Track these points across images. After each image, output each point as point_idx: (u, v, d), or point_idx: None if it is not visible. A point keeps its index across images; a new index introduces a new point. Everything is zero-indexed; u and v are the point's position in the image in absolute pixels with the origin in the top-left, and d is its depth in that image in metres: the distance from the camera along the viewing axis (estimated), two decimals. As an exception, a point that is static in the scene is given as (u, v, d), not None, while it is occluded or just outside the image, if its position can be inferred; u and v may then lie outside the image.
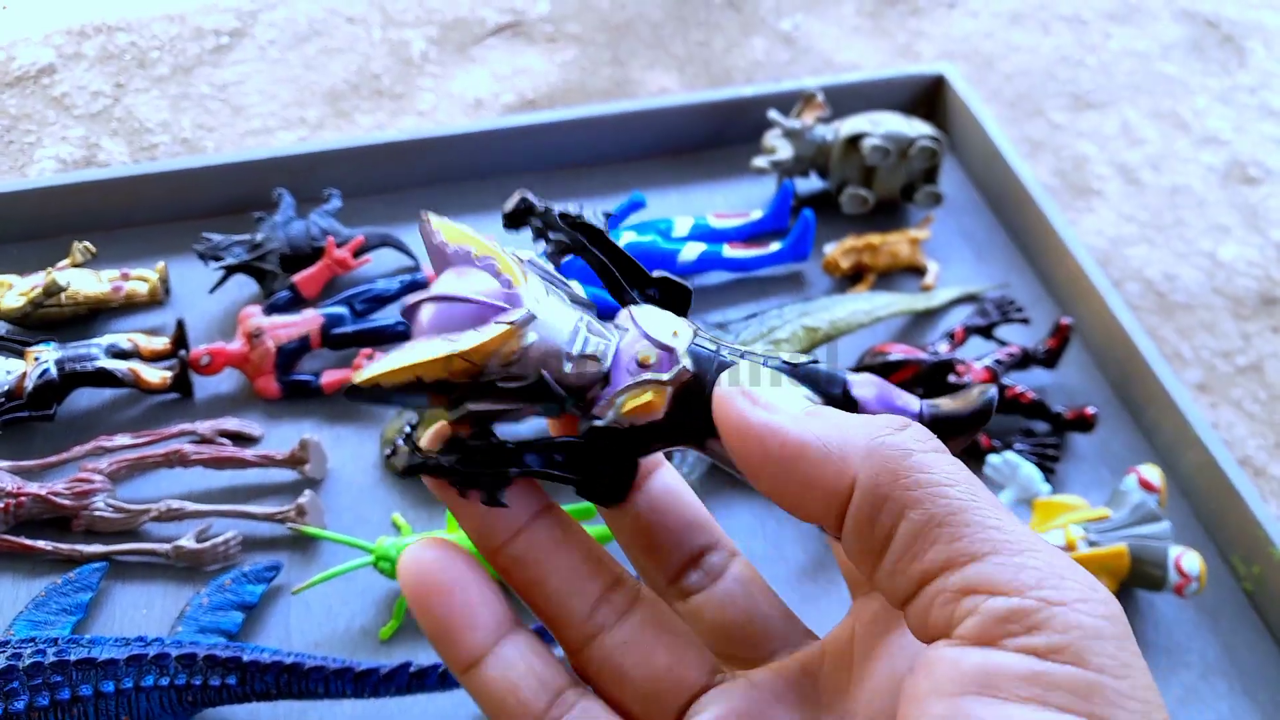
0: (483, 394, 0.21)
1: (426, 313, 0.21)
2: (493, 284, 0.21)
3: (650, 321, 0.22)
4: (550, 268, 0.24)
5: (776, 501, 0.19)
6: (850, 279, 0.64)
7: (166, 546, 0.49)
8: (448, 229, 0.23)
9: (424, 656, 0.46)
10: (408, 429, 0.53)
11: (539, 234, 0.24)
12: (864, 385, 0.21)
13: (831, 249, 0.63)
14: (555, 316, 0.22)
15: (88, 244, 0.58)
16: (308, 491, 0.51)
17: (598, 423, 0.21)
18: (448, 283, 0.22)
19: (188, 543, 0.49)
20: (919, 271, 0.64)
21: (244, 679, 0.44)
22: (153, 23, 0.83)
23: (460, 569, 0.20)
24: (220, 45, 0.82)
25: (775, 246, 0.62)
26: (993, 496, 0.17)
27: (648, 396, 0.21)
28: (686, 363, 0.21)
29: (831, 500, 0.17)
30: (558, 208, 0.24)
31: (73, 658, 0.42)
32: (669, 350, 0.21)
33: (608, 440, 0.21)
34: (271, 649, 0.45)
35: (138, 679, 0.42)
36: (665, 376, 0.21)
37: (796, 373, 0.21)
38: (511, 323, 0.21)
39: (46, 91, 0.77)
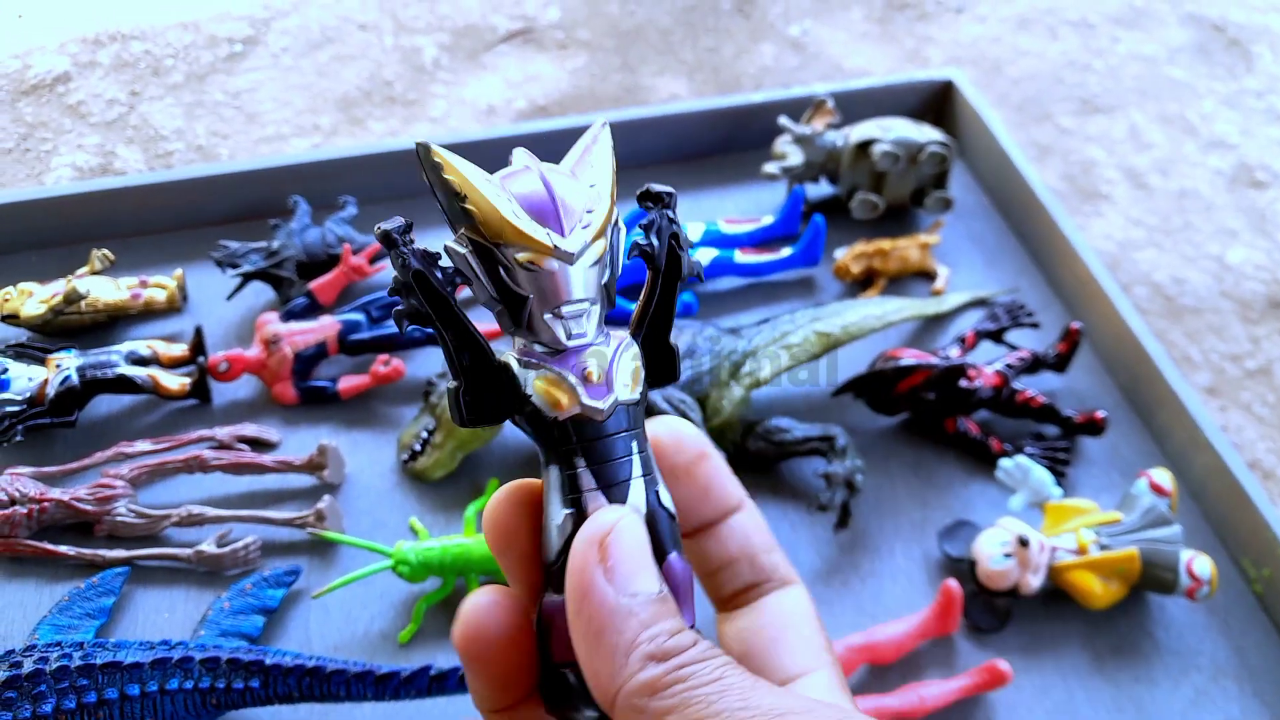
0: (485, 255, 0.21)
1: (520, 174, 0.22)
2: (580, 208, 0.22)
3: (625, 359, 0.23)
4: (623, 240, 0.24)
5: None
6: (861, 284, 0.64)
7: (188, 551, 0.50)
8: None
9: (443, 659, 0.47)
10: (424, 434, 0.53)
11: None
12: (675, 563, 0.22)
13: (842, 254, 0.64)
14: (581, 279, 0.22)
15: (106, 252, 0.59)
16: (326, 496, 0.51)
17: (514, 365, 0.22)
18: (562, 175, 0.22)
19: (208, 547, 0.50)
20: (929, 276, 0.65)
21: (266, 682, 0.44)
22: (167, 31, 0.84)
23: (514, 622, 0.21)
24: (234, 53, 0.82)
25: (786, 252, 0.63)
26: (734, 684, 0.18)
27: (561, 397, 0.21)
28: (606, 408, 0.21)
29: (603, 689, 0.19)
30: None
31: (99, 661, 0.43)
32: (609, 389, 0.22)
33: (505, 379, 0.22)
34: (293, 652, 0.45)
35: (162, 682, 0.43)
36: (585, 400, 0.21)
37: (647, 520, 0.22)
38: (554, 247, 0.21)
39: (62, 100, 0.78)
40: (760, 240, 0.65)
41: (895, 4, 0.91)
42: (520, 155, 0.23)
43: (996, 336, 0.59)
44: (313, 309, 0.58)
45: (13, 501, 0.50)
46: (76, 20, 0.84)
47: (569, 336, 0.22)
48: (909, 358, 0.55)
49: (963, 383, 0.55)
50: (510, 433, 0.56)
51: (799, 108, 0.69)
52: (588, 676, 0.19)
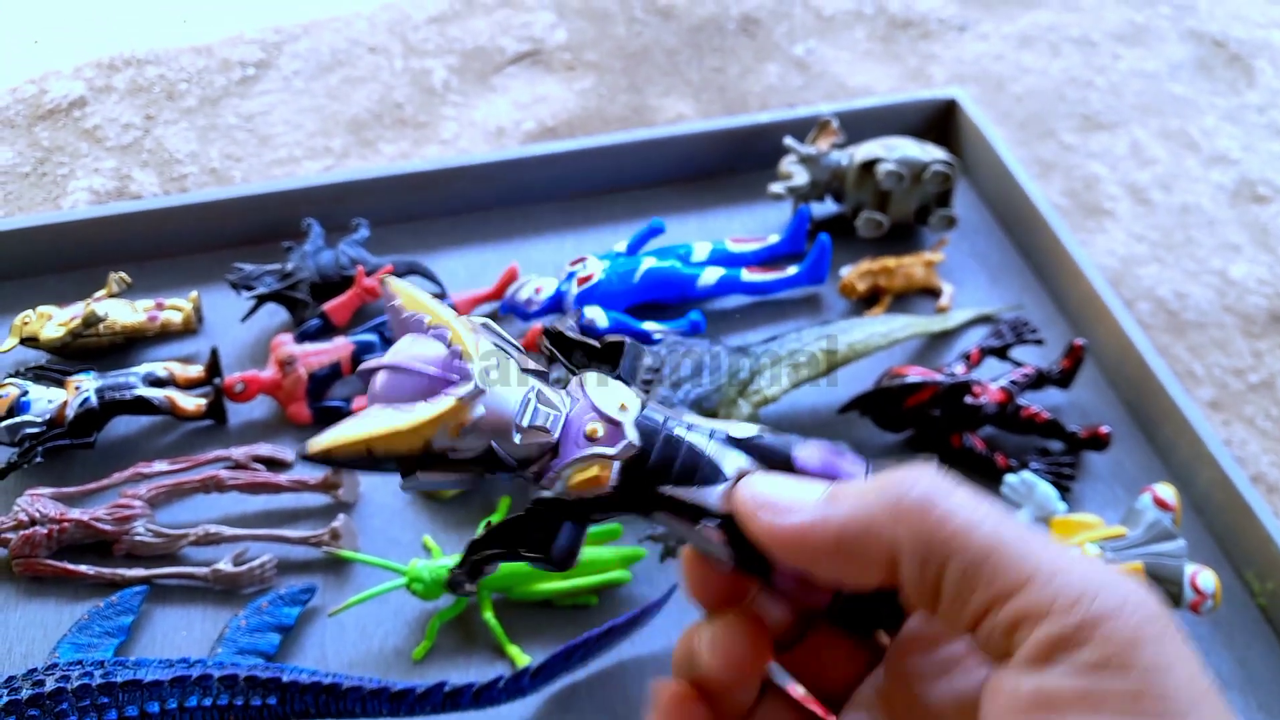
0: (434, 464, 0.21)
1: (379, 380, 0.22)
2: (443, 352, 0.22)
3: (599, 393, 0.22)
4: (503, 333, 0.24)
5: (838, 585, 0.20)
6: (866, 301, 0.65)
7: (205, 570, 0.51)
8: (405, 294, 0.23)
9: (457, 676, 0.48)
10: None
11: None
12: (809, 453, 0.21)
13: (848, 272, 0.64)
14: (505, 388, 0.22)
15: (123, 275, 0.60)
16: (341, 515, 0.52)
17: (544, 494, 0.22)
18: (402, 349, 0.22)
19: (225, 566, 0.51)
20: (934, 294, 0.66)
21: (284, 699, 0.45)
22: (180, 55, 0.85)
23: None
24: (246, 77, 0.84)
25: (792, 270, 0.64)
26: (1016, 520, 0.18)
27: (594, 471, 0.21)
28: (633, 436, 0.21)
29: (881, 571, 0.19)
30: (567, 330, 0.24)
31: (119, 679, 0.43)
32: (616, 424, 0.22)
33: (555, 511, 0.22)
34: (309, 669, 0.46)
35: (182, 700, 0.44)
36: (611, 451, 0.21)
37: (743, 446, 0.21)
38: (460, 397, 0.21)
39: (78, 124, 0.79)
40: (766, 259, 0.66)
41: (898, 23, 0.93)
42: (368, 378, 0.22)
43: (1001, 353, 0.60)
44: (326, 330, 0.59)
45: (33, 522, 0.51)
46: (91, 45, 0.86)
47: (550, 429, 0.22)
48: (915, 375, 0.56)
49: (968, 399, 0.56)
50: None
51: (804, 128, 0.69)
52: (848, 582, 0.19)
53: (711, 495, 0.21)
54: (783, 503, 0.20)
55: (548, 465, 0.22)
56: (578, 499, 0.21)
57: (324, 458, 0.21)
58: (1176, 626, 0.17)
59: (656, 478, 0.21)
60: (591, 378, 0.23)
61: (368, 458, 0.21)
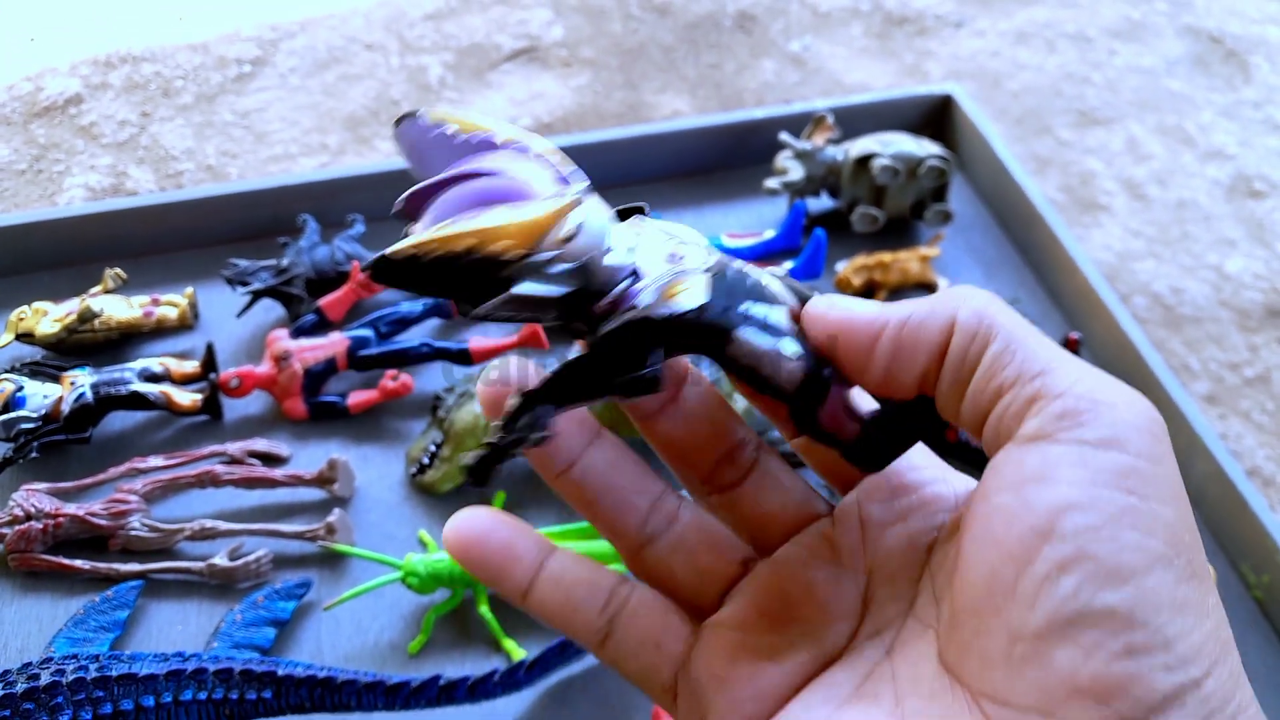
0: (532, 272, 0.19)
1: (462, 191, 0.20)
2: (539, 170, 0.20)
3: (667, 227, 0.22)
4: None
5: (879, 385, 0.21)
6: (862, 296, 0.65)
7: (200, 565, 0.51)
8: (457, 119, 0.21)
9: (451, 670, 0.48)
10: (432, 448, 0.54)
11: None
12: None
13: (843, 267, 0.64)
14: (594, 206, 0.21)
15: (119, 270, 0.60)
16: (336, 510, 0.52)
17: (637, 309, 0.20)
18: (492, 165, 0.20)
19: (221, 561, 0.51)
20: (930, 288, 0.66)
21: (279, 693, 0.45)
22: (176, 52, 0.85)
23: (492, 519, 0.22)
24: (242, 74, 0.84)
25: (788, 265, 0.64)
26: (1035, 332, 0.20)
27: (692, 282, 0.20)
28: (714, 259, 0.21)
29: (934, 352, 0.21)
30: None
31: (114, 673, 0.43)
32: (698, 245, 0.22)
33: (641, 334, 0.20)
34: (305, 663, 0.46)
35: (177, 693, 0.44)
36: (705, 265, 0.21)
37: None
38: (577, 194, 0.20)
39: (74, 121, 0.79)
40: (762, 254, 0.66)
41: (895, 19, 0.93)
42: (437, 191, 0.20)
43: (996, 347, 0.60)
44: (322, 326, 0.59)
45: (28, 517, 0.51)
46: (87, 43, 0.86)
47: (633, 250, 0.21)
48: (910, 369, 0.56)
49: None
50: (517, 446, 0.56)
51: (800, 123, 0.70)
52: (908, 369, 0.21)
53: (780, 312, 0.22)
54: (853, 305, 0.22)
55: (628, 292, 0.21)
56: (668, 317, 0.20)
57: (408, 264, 0.18)
58: (1165, 432, 0.19)
59: (734, 295, 0.21)
60: (650, 220, 0.23)
61: (456, 267, 0.18)
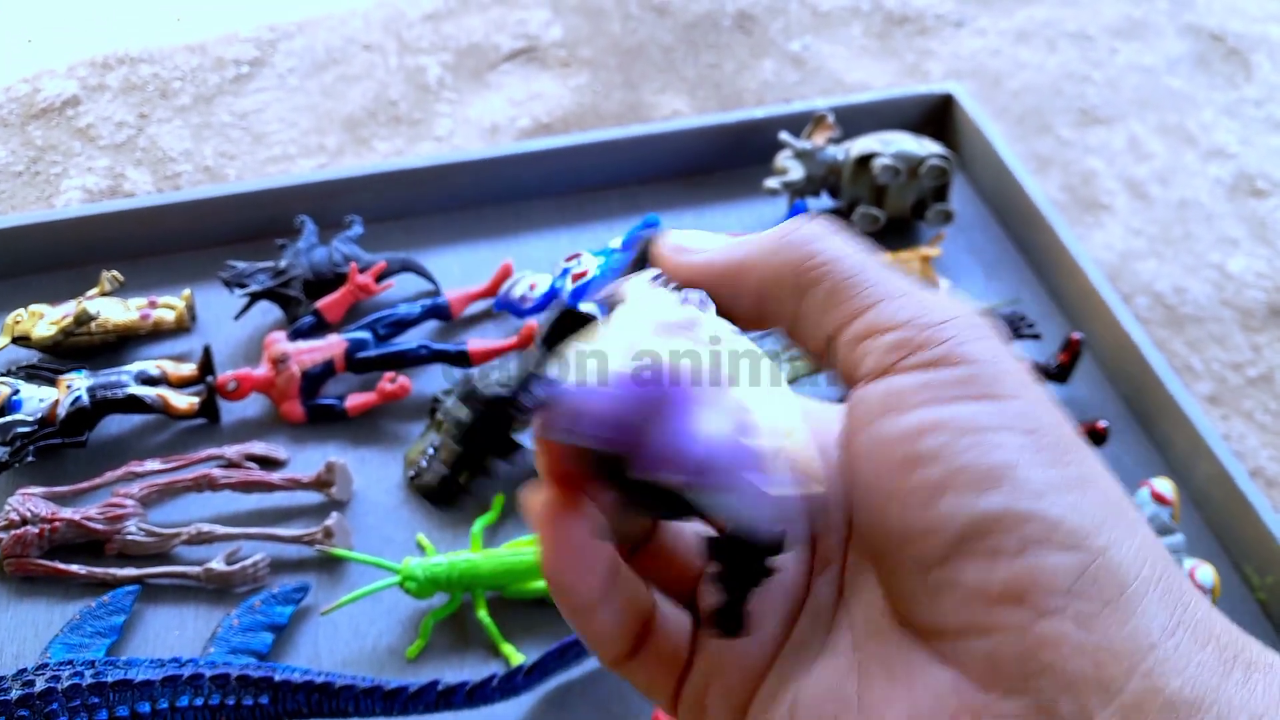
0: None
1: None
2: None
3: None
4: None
5: (734, 319, 0.21)
6: (862, 297, 0.65)
7: (197, 569, 0.50)
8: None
9: (451, 675, 0.47)
10: (430, 450, 0.54)
11: None
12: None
13: (843, 268, 0.64)
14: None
15: (115, 273, 0.60)
16: (334, 514, 0.52)
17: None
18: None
19: (218, 565, 0.50)
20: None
21: (276, 698, 0.45)
22: (174, 54, 0.85)
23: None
24: (240, 75, 0.83)
25: (788, 266, 0.63)
26: (880, 262, 0.20)
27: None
28: None
29: (755, 296, 0.21)
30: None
31: (110, 679, 0.43)
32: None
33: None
34: (302, 668, 0.46)
35: (173, 700, 0.44)
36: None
37: None
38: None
39: (71, 123, 0.79)
40: (762, 254, 0.65)
41: (895, 19, 0.92)
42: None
43: (998, 348, 0.60)
44: (320, 328, 0.59)
45: (24, 521, 0.51)
46: (85, 44, 0.85)
47: None
48: (911, 370, 0.55)
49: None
50: (516, 448, 0.56)
51: (800, 123, 0.69)
52: (751, 309, 0.21)
53: None
54: (692, 245, 0.22)
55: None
56: None
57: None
58: (1001, 334, 0.19)
59: None
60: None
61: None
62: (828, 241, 0.20)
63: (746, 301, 0.21)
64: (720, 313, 0.21)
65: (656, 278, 0.22)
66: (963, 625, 0.17)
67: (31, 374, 0.56)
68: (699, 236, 0.22)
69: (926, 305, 0.19)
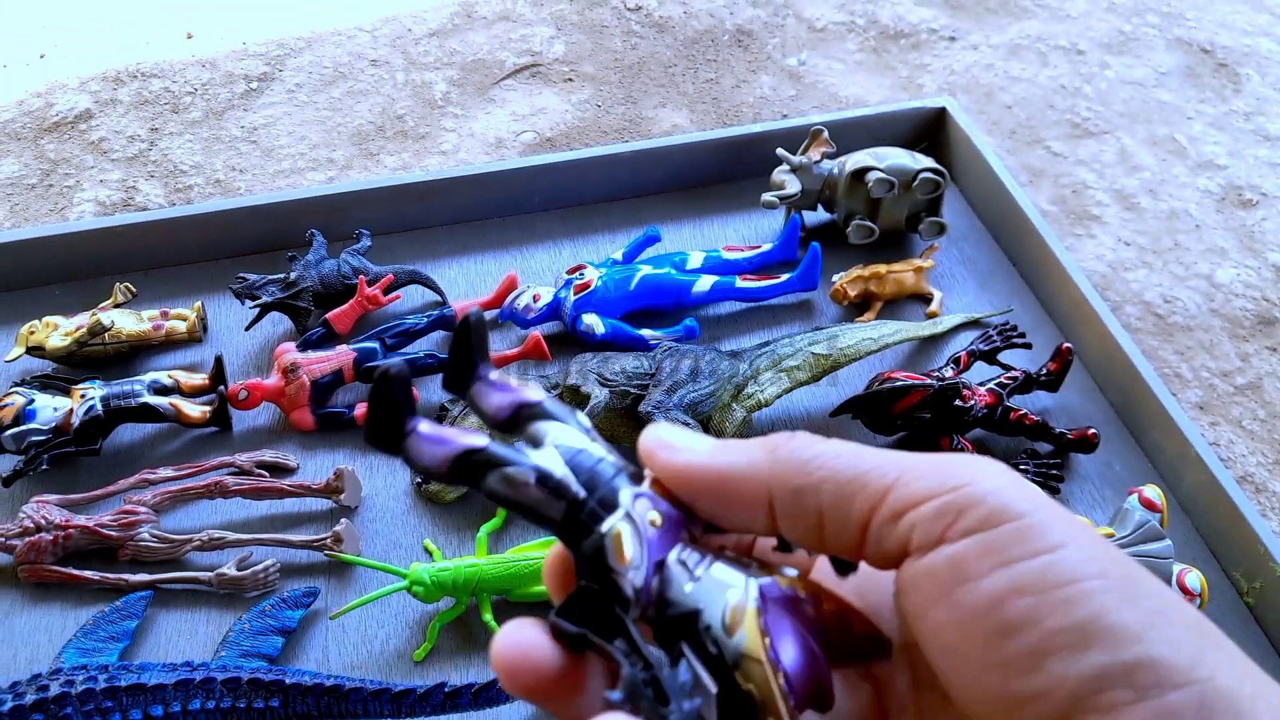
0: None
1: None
2: None
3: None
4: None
5: (716, 521, 0.21)
6: (858, 307, 0.66)
7: (209, 574, 0.51)
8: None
9: (457, 677, 0.48)
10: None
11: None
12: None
13: (839, 278, 0.65)
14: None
15: (129, 285, 0.61)
16: (343, 520, 0.53)
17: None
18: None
19: (229, 570, 0.51)
20: (924, 299, 0.67)
21: (286, 701, 0.46)
22: (185, 69, 0.86)
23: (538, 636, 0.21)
24: (250, 89, 0.85)
25: (785, 277, 0.65)
26: (868, 448, 0.20)
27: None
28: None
29: (758, 509, 0.21)
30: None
31: (123, 683, 0.44)
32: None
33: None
34: (311, 671, 0.47)
35: (185, 703, 0.45)
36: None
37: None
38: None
39: (84, 136, 0.81)
40: (760, 266, 0.67)
41: (890, 34, 0.94)
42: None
43: (990, 357, 0.61)
44: (329, 338, 0.60)
45: (39, 528, 0.52)
46: (97, 59, 0.87)
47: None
48: (904, 379, 0.57)
49: (957, 402, 0.57)
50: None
51: (796, 138, 0.71)
52: (735, 521, 0.21)
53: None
54: (679, 444, 0.22)
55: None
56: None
57: None
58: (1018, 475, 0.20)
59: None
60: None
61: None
62: (819, 447, 0.20)
63: (737, 510, 0.21)
64: (699, 516, 0.21)
65: (634, 480, 0.21)
66: None
67: (46, 384, 0.57)
68: (683, 435, 0.22)
69: (944, 468, 0.19)
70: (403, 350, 0.60)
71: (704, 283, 0.64)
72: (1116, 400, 0.61)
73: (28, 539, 0.51)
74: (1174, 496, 0.57)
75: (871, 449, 0.20)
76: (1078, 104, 0.88)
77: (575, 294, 0.61)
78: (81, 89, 0.84)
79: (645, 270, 0.63)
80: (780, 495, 0.20)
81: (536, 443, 0.21)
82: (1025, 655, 0.17)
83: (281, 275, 0.62)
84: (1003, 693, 0.18)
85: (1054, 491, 0.56)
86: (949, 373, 0.59)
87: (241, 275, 0.62)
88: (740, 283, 0.64)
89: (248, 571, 0.51)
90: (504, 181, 0.68)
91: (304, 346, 0.59)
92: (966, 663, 0.18)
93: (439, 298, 0.65)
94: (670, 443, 0.22)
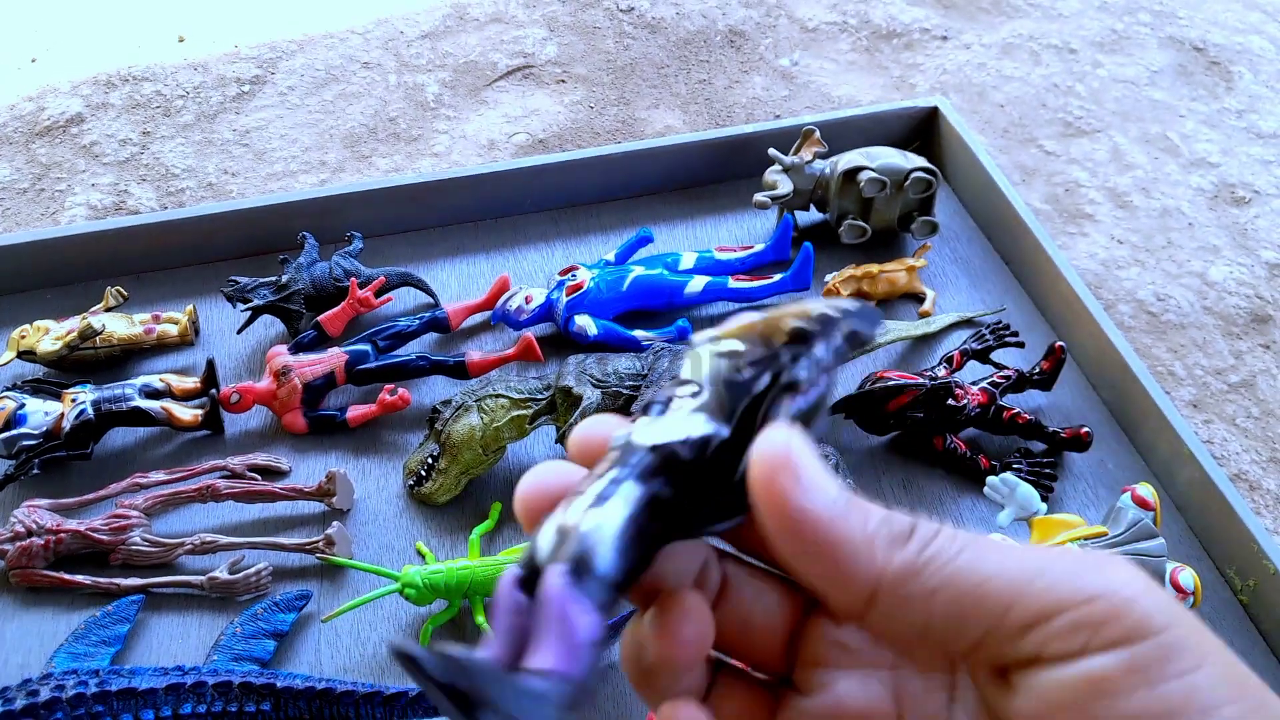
0: None
1: None
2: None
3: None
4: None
5: (791, 572, 0.19)
6: (851, 307, 0.66)
7: (201, 578, 0.51)
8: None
9: (449, 680, 0.48)
10: (430, 460, 0.55)
11: None
12: None
13: (832, 278, 0.65)
14: None
15: (120, 288, 0.61)
16: (335, 523, 0.53)
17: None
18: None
19: (221, 574, 0.51)
20: (917, 299, 0.67)
21: (278, 705, 0.46)
22: (177, 72, 0.86)
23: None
24: (242, 92, 0.85)
25: (778, 277, 0.65)
26: (992, 539, 0.19)
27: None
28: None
29: (858, 590, 0.19)
30: None
31: (114, 688, 0.44)
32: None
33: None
34: (303, 675, 0.47)
35: (176, 707, 0.44)
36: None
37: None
38: None
39: (76, 140, 0.80)
40: (753, 266, 0.67)
41: (882, 34, 0.94)
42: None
43: (982, 356, 0.61)
44: (321, 341, 0.60)
45: (30, 533, 0.51)
46: (89, 63, 0.87)
47: None
48: (897, 378, 0.57)
49: (950, 401, 0.57)
50: (513, 458, 0.57)
51: (788, 138, 0.71)
52: (823, 591, 0.19)
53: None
54: (806, 478, 0.19)
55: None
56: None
57: None
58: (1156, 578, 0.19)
59: None
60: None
61: None
62: (942, 543, 0.19)
63: (821, 584, 0.19)
64: (764, 556, 0.20)
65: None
66: None
67: (37, 388, 0.57)
68: (814, 466, 0.19)
69: (1079, 576, 0.18)
70: (395, 353, 0.60)
71: (696, 283, 0.64)
72: (1110, 398, 0.61)
73: (19, 544, 0.51)
74: (1167, 495, 0.57)
75: (988, 539, 0.19)
76: (1070, 103, 0.88)
77: (568, 295, 0.61)
78: (73, 93, 0.84)
79: (638, 271, 0.63)
80: (893, 594, 0.18)
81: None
82: None
83: (273, 278, 0.62)
84: None
85: (1048, 490, 0.56)
86: (942, 372, 0.59)
87: (233, 278, 0.62)
88: (733, 283, 0.64)
89: (240, 575, 0.51)
90: (496, 183, 0.68)
91: (296, 349, 0.59)
92: None
93: (431, 300, 0.65)
94: (799, 470, 0.18)
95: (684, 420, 0.20)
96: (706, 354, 0.21)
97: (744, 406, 0.20)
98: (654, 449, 0.19)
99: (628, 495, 0.19)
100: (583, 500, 0.19)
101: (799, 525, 0.18)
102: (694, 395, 0.20)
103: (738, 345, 0.21)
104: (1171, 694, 0.17)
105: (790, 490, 0.18)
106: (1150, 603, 0.18)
